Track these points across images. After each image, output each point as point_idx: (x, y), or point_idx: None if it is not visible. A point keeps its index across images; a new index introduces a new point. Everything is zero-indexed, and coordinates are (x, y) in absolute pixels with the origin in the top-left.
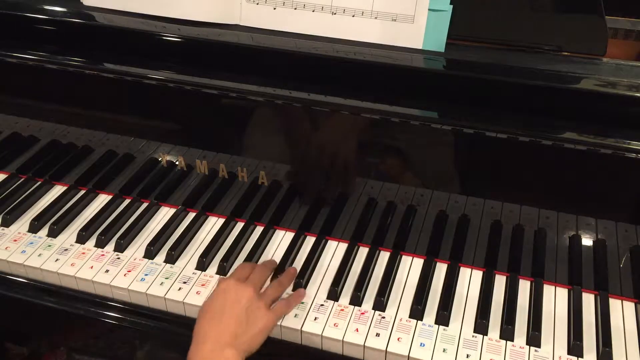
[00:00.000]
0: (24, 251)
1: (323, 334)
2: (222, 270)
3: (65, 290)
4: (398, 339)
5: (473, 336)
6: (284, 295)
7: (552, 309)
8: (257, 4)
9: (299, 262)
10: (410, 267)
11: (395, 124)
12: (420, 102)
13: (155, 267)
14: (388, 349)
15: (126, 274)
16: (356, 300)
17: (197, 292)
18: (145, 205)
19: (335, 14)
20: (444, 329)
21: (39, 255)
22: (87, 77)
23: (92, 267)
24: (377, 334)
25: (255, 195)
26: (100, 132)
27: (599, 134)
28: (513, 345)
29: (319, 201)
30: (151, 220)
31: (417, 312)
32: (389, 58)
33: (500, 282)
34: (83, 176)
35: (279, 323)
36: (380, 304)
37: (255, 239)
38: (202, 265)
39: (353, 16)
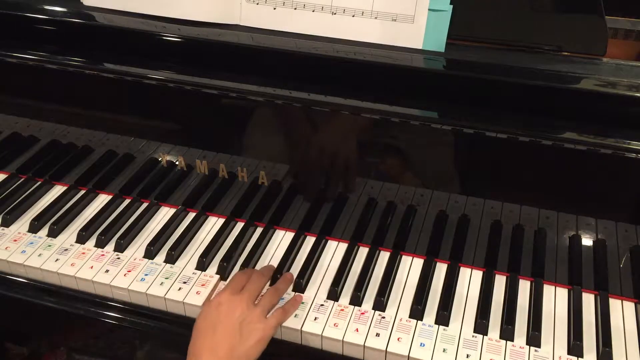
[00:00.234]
0: (24, 251)
1: (323, 334)
2: (222, 270)
3: (65, 290)
4: (398, 339)
5: (473, 336)
6: (285, 296)
7: (552, 309)
8: (257, 4)
9: (299, 262)
10: (410, 267)
11: (395, 124)
12: (420, 102)
13: (155, 267)
14: (388, 349)
15: (126, 274)
16: (356, 300)
17: (197, 292)
18: (145, 205)
19: (335, 14)
20: (444, 329)
21: (39, 255)
22: (87, 77)
23: (92, 267)
24: (377, 334)
25: (255, 195)
26: (100, 132)
27: (599, 134)
28: (513, 345)
29: (319, 201)
30: (151, 220)
31: (417, 312)
32: (389, 58)
33: (500, 282)
34: (83, 176)
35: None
36: (380, 304)
37: (255, 239)
38: (202, 265)
39: (353, 16)
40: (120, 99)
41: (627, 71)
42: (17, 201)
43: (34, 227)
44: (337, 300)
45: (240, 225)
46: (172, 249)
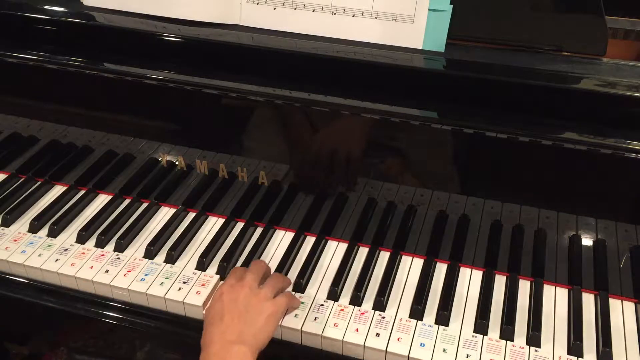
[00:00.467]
0: (24, 251)
1: (323, 334)
2: (222, 270)
3: (65, 290)
4: (398, 339)
5: (473, 336)
6: None
7: (552, 309)
8: (257, 4)
9: (299, 262)
10: (410, 267)
11: (395, 124)
12: (420, 102)
13: (155, 267)
14: (388, 349)
15: (126, 274)
16: (356, 300)
17: (197, 292)
18: (145, 205)
19: (335, 14)
20: (444, 329)
21: (39, 255)
22: (87, 77)
23: (92, 267)
24: (377, 334)
25: (255, 195)
26: (100, 132)
27: (599, 134)
28: (513, 345)
29: (319, 201)
30: (151, 220)
31: (417, 312)
32: (389, 58)
33: (500, 282)
34: (83, 176)
35: (279, 323)
36: (380, 304)
37: (255, 239)
38: (202, 265)
39: (353, 16)
40: (120, 99)
41: (627, 71)
42: (17, 201)
43: (34, 227)
44: (337, 300)
45: (240, 225)
46: (172, 249)
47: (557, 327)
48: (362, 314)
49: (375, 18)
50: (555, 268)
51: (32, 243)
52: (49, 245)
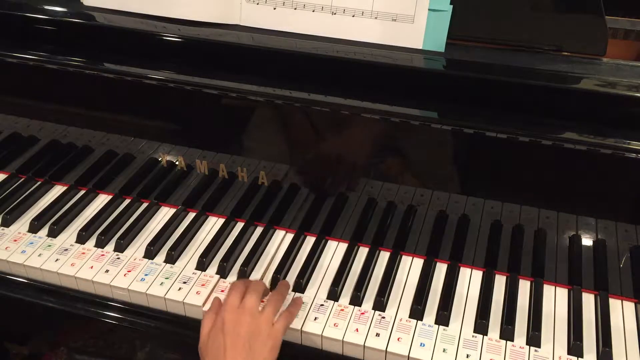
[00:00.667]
0: (24, 251)
1: (323, 334)
2: (222, 270)
3: (65, 290)
4: (398, 339)
5: (473, 336)
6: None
7: (552, 309)
8: (257, 4)
9: (299, 262)
10: (410, 267)
11: (395, 124)
12: (420, 102)
13: (155, 267)
14: (388, 349)
15: (126, 274)
16: (356, 300)
17: (197, 292)
18: (145, 205)
19: (335, 14)
20: (444, 329)
21: (39, 255)
22: (87, 77)
23: (92, 267)
24: (377, 334)
25: (255, 195)
26: (100, 132)
27: (599, 134)
28: (513, 345)
29: (319, 201)
30: (151, 220)
31: (417, 312)
32: (389, 58)
33: (500, 282)
34: (83, 176)
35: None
36: (380, 304)
37: (255, 239)
38: (202, 265)
39: (353, 16)
40: (120, 99)
41: (627, 71)
42: (17, 201)
43: (34, 227)
44: (337, 300)
45: (240, 225)
46: (172, 249)
47: (557, 327)
48: (362, 314)
49: (375, 18)
50: (555, 268)
51: (32, 243)
52: (49, 245)
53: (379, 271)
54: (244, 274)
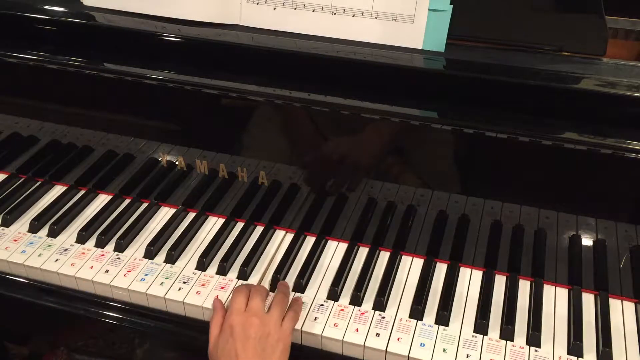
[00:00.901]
0: (24, 251)
1: (323, 334)
2: (222, 270)
3: (65, 290)
4: (398, 339)
5: (473, 336)
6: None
7: (552, 309)
8: (257, 4)
9: (299, 262)
10: (410, 267)
11: (395, 124)
12: (420, 102)
13: (155, 267)
14: (388, 349)
15: (126, 274)
16: (356, 300)
17: (197, 292)
18: (145, 205)
19: (335, 14)
20: (444, 329)
21: (39, 255)
22: (87, 77)
23: (92, 267)
24: (377, 334)
25: (255, 195)
26: (100, 132)
27: (599, 134)
28: (513, 345)
29: (319, 201)
30: (151, 220)
31: (417, 312)
32: (389, 58)
33: (500, 282)
34: (83, 176)
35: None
36: (380, 304)
37: (255, 239)
38: (202, 265)
39: (353, 16)
40: (120, 99)
41: (627, 71)
42: (17, 201)
43: (34, 227)
44: (337, 300)
45: (240, 225)
46: (172, 249)
47: (557, 327)
48: (362, 314)
49: (375, 18)
50: (555, 268)
51: (32, 243)
52: (49, 245)
53: (379, 271)
54: (244, 274)
